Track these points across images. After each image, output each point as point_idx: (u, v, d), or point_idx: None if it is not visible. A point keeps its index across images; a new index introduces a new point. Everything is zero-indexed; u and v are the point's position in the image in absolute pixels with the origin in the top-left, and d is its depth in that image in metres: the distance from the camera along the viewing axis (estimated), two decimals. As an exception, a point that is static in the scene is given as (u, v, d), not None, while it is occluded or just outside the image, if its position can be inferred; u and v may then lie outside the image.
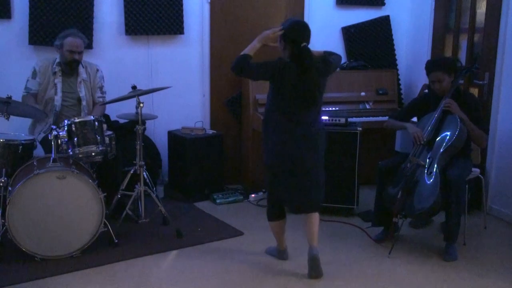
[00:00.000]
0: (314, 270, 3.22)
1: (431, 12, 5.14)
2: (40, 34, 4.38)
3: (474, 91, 4.63)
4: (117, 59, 4.72)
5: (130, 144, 4.15)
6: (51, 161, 3.38)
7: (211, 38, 5.01)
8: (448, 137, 3.53)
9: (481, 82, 4.46)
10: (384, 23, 5.46)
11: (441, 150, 3.52)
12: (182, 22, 4.82)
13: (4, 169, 3.47)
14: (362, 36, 5.41)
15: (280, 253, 3.50)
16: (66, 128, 3.50)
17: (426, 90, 4.42)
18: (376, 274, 3.32)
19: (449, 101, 3.59)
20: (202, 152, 4.70)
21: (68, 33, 4.00)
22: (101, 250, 3.52)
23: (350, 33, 5.40)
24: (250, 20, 5.06)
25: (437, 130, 3.60)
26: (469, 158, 3.76)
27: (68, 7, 4.44)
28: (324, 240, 3.68)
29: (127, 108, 4.14)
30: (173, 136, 4.85)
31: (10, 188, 3.37)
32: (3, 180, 3.42)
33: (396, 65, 5.52)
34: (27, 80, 4.05)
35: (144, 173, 3.82)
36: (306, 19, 5.13)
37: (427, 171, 3.51)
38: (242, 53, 3.12)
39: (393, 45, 5.51)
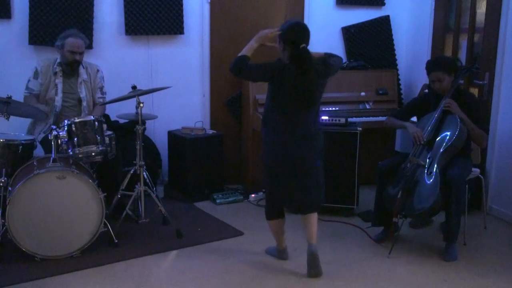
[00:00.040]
0: (313, 268, 3.22)
1: (431, 12, 5.13)
2: (40, 34, 4.38)
3: (474, 91, 4.62)
4: (117, 59, 4.72)
5: (130, 144, 4.15)
6: (51, 161, 3.38)
7: (211, 38, 5.01)
8: (448, 137, 3.53)
9: (481, 82, 4.46)
10: (384, 23, 5.46)
11: (441, 150, 3.52)
12: (182, 22, 4.82)
13: (4, 169, 3.46)
14: (362, 36, 5.40)
15: (280, 253, 3.50)
16: (66, 128, 3.50)
17: (426, 90, 4.42)
18: (376, 274, 3.32)
19: (449, 101, 3.59)
20: (202, 152, 4.70)
21: (69, 33, 3.99)
22: (101, 250, 3.52)
23: (350, 33, 5.40)
24: (250, 20, 5.06)
25: (437, 130, 3.60)
26: (469, 158, 3.76)
27: (68, 7, 4.44)
28: (324, 240, 3.68)
29: (127, 108, 4.15)
30: (173, 136, 4.85)
31: (10, 188, 3.37)
32: (3, 180, 3.42)
33: (396, 65, 5.52)
34: (29, 81, 4.04)
35: (144, 173, 3.81)
36: (306, 19, 5.14)
37: (427, 171, 3.50)
38: (240, 54, 3.12)
39: (393, 45, 5.51)
